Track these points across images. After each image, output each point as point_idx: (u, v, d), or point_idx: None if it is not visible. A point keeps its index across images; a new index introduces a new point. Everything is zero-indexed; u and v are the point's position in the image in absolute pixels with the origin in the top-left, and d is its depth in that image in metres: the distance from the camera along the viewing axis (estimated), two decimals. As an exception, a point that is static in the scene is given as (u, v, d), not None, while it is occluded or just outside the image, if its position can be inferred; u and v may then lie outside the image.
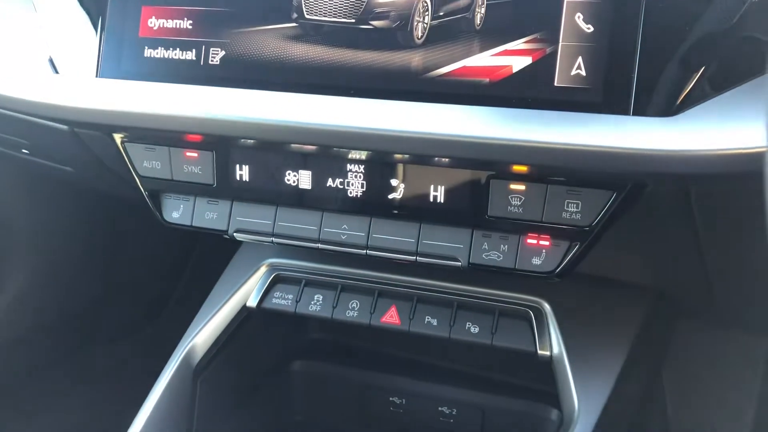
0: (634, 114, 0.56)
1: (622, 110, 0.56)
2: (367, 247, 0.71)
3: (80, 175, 0.98)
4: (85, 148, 0.82)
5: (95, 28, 0.73)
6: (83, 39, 0.74)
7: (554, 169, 0.60)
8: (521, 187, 0.63)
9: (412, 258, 0.70)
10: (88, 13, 0.74)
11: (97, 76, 0.72)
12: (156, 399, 0.82)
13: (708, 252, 0.71)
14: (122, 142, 0.76)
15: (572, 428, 0.71)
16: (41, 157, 0.98)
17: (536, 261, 0.65)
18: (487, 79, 0.60)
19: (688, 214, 0.64)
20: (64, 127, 0.78)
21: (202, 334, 0.87)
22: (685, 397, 1.26)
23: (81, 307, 1.52)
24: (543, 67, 0.59)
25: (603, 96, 0.57)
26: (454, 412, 0.96)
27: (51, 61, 0.75)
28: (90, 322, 1.56)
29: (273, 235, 0.74)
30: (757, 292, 0.82)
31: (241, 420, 0.93)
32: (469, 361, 0.98)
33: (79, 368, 1.55)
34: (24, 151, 0.98)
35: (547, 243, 0.65)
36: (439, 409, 0.96)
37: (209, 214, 0.76)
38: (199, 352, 0.86)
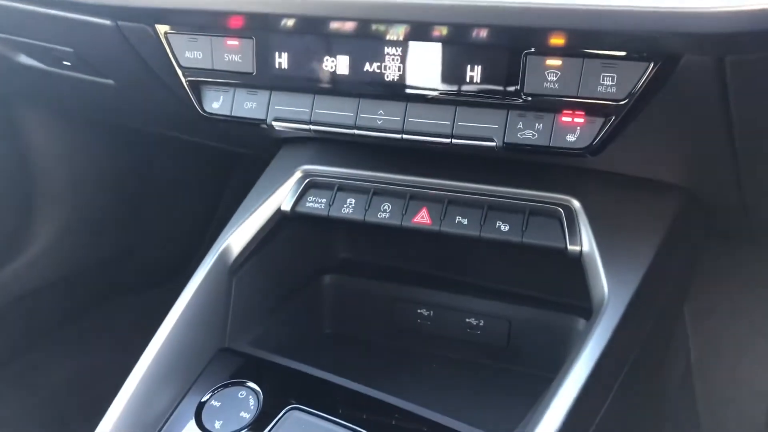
0: (673, -24, 0.57)
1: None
2: (402, 132, 0.72)
3: (120, 89, 1.01)
4: (128, 47, 0.84)
5: None
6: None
7: (593, 35, 0.61)
8: (557, 62, 0.64)
9: (447, 140, 0.71)
10: None
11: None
12: (193, 290, 0.84)
13: (742, 147, 0.71)
14: (165, 33, 0.78)
15: (603, 312, 0.72)
16: (83, 70, 1.00)
17: (570, 138, 0.66)
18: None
19: (723, 99, 0.64)
20: (108, 21, 0.81)
21: (238, 234, 0.89)
22: (708, 335, 1.27)
23: (112, 255, 1.56)
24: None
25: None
26: (481, 323, 0.97)
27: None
28: (120, 270, 1.59)
29: (311, 122, 0.76)
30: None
31: (272, 326, 0.95)
32: (496, 276, 1.00)
33: (108, 315, 1.59)
34: (66, 63, 1.00)
35: (581, 119, 0.66)
36: (467, 320, 0.98)
37: (248, 104, 0.78)
38: (235, 252, 0.88)
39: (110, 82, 1.00)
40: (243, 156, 1.48)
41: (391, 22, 0.67)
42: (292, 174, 0.91)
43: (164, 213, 1.65)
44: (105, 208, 1.50)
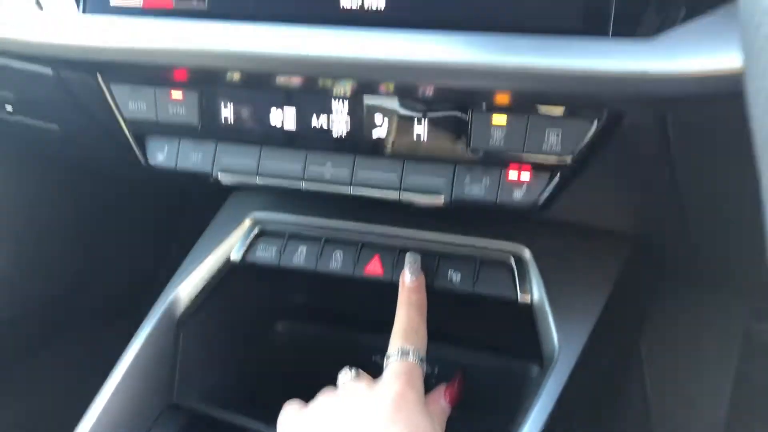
0: (614, 36, 0.57)
1: (602, 33, 0.57)
2: (351, 184, 0.72)
3: (65, 134, 0.98)
4: (70, 95, 0.82)
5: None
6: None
7: (535, 95, 0.61)
8: (503, 119, 0.64)
9: (396, 194, 0.70)
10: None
11: (81, 12, 0.72)
12: (139, 345, 0.81)
13: (687, 195, 0.72)
14: (107, 84, 0.76)
15: (553, 366, 0.72)
16: (26, 114, 0.98)
17: (517, 194, 0.66)
18: (470, 10, 0.61)
19: (666, 153, 0.65)
20: (48, 69, 0.79)
21: (186, 286, 0.87)
22: (663, 369, 1.28)
23: (60, 294, 1.51)
24: (524, -5, 0.60)
25: (583, 19, 0.58)
26: (435, 371, 0.96)
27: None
28: (69, 309, 1.54)
29: (257, 174, 0.74)
30: (733, 239, 0.84)
31: (224, 378, 0.92)
32: (450, 323, 0.99)
33: (56, 356, 1.54)
34: (8, 108, 0.97)
35: (527, 176, 0.66)
36: None
37: (194, 156, 0.77)
38: (183, 303, 0.86)
39: (54, 126, 0.97)
40: (196, 195, 1.46)
41: (337, 78, 0.66)
42: (241, 222, 0.89)
43: (114, 251, 1.61)
44: (53, 245, 1.45)
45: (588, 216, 0.79)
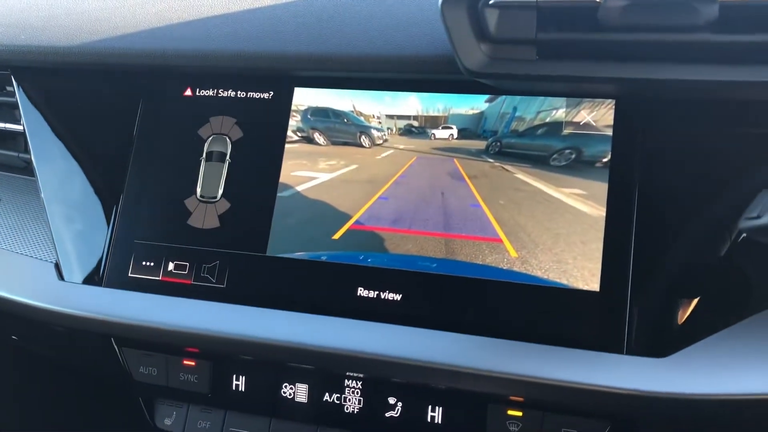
0: (628, 354, 0.58)
1: (617, 350, 0.58)
2: (362, 463, 0.70)
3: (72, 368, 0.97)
4: (80, 350, 0.82)
5: (103, 237, 0.76)
6: (91, 247, 0.76)
7: (549, 402, 0.61)
8: (518, 413, 0.64)
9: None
10: (97, 223, 0.77)
11: (102, 285, 0.74)
12: None
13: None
14: (120, 348, 0.76)
15: None
16: (35, 348, 0.97)
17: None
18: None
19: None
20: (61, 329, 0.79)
21: None
22: None
23: None
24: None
25: (599, 336, 0.59)
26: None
27: (57, 266, 0.76)
28: None
29: (267, 446, 0.73)
30: None
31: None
32: None
33: None
34: (14, 337, 0.97)
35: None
36: None
37: (202, 423, 0.76)
38: None
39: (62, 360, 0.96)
40: None
41: (349, 371, 0.66)
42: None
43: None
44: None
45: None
